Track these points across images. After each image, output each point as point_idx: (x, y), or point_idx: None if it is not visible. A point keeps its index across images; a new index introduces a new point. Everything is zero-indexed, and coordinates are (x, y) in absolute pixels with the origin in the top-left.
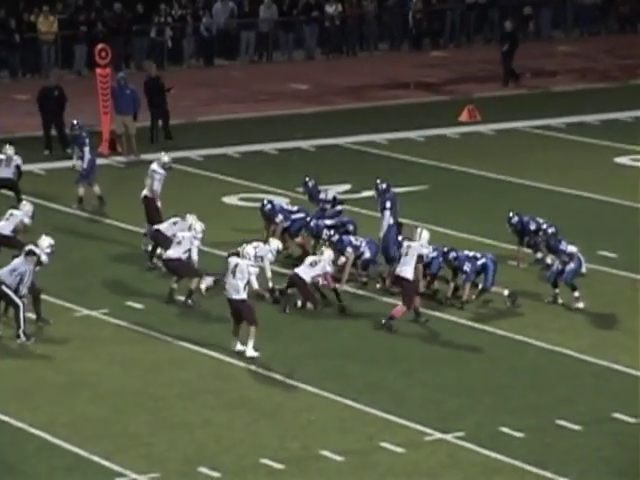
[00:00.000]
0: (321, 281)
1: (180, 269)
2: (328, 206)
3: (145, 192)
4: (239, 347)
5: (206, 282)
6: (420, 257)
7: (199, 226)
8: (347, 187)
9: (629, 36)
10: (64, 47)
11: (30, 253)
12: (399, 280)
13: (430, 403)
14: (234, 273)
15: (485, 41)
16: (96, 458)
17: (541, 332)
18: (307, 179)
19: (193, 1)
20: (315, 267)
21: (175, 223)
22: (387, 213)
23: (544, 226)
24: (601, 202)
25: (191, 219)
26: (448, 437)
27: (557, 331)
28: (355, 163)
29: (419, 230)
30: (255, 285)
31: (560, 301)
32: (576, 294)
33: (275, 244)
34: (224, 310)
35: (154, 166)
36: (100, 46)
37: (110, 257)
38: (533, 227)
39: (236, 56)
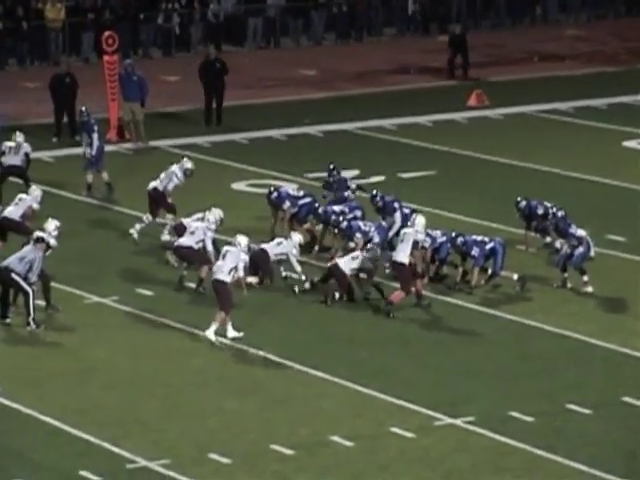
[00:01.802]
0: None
1: (191, 256)
2: (352, 197)
3: (156, 185)
4: (232, 333)
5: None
6: (416, 243)
7: (212, 217)
8: (356, 172)
9: (636, 19)
10: (71, 34)
11: (39, 240)
12: (395, 265)
13: (440, 388)
14: (224, 256)
15: (492, 26)
16: (107, 445)
17: (550, 316)
18: (332, 166)
19: None
20: (355, 261)
21: (199, 219)
22: (397, 214)
23: (553, 210)
24: (609, 186)
25: (216, 212)
26: (458, 422)
27: (566, 315)
28: (363, 149)
29: (414, 216)
30: (241, 272)
31: (569, 285)
32: (585, 278)
33: (297, 238)
34: (235, 298)
35: (175, 169)
36: (107, 33)
37: (119, 244)
38: (541, 211)
39: (244, 42)
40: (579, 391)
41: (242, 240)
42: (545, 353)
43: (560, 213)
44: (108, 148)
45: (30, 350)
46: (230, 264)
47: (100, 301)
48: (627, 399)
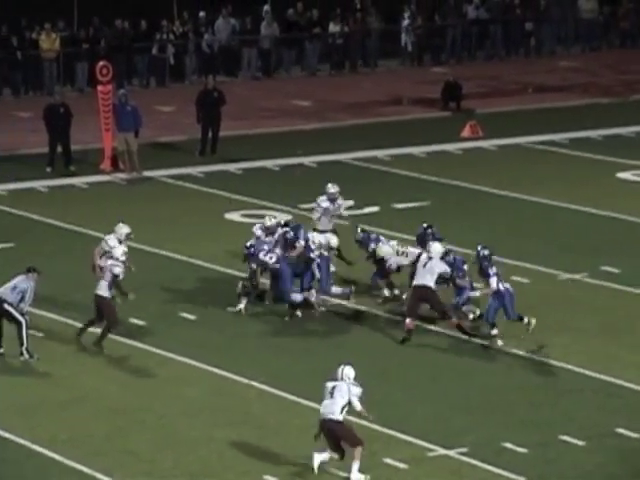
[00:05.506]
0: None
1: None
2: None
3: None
4: (319, 461)
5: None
6: (439, 275)
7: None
8: (350, 203)
9: (630, 51)
10: (66, 64)
11: (31, 270)
12: (423, 289)
13: (434, 419)
14: (332, 394)
15: (486, 57)
16: (98, 475)
17: (544, 348)
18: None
19: (195, 18)
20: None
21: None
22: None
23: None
24: (604, 217)
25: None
26: (451, 453)
27: (559, 347)
28: (357, 179)
29: (430, 243)
30: (358, 407)
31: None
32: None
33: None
34: (226, 326)
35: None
36: (101, 63)
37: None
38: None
39: (238, 73)
40: (573, 422)
41: (349, 372)
42: (539, 384)
43: (485, 252)
44: (102, 178)
45: (22, 380)
46: (340, 401)
47: (92, 330)
48: (621, 430)
